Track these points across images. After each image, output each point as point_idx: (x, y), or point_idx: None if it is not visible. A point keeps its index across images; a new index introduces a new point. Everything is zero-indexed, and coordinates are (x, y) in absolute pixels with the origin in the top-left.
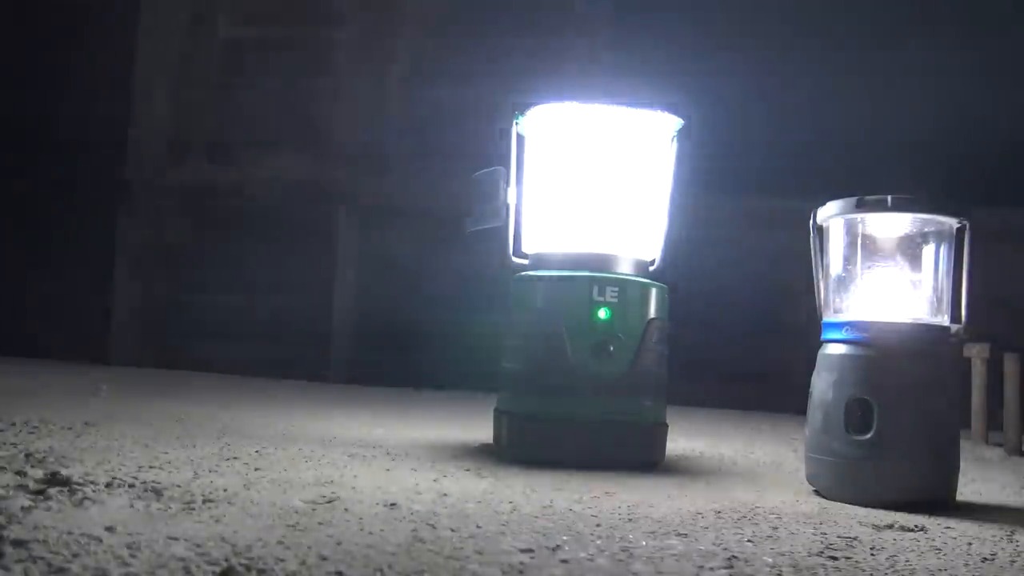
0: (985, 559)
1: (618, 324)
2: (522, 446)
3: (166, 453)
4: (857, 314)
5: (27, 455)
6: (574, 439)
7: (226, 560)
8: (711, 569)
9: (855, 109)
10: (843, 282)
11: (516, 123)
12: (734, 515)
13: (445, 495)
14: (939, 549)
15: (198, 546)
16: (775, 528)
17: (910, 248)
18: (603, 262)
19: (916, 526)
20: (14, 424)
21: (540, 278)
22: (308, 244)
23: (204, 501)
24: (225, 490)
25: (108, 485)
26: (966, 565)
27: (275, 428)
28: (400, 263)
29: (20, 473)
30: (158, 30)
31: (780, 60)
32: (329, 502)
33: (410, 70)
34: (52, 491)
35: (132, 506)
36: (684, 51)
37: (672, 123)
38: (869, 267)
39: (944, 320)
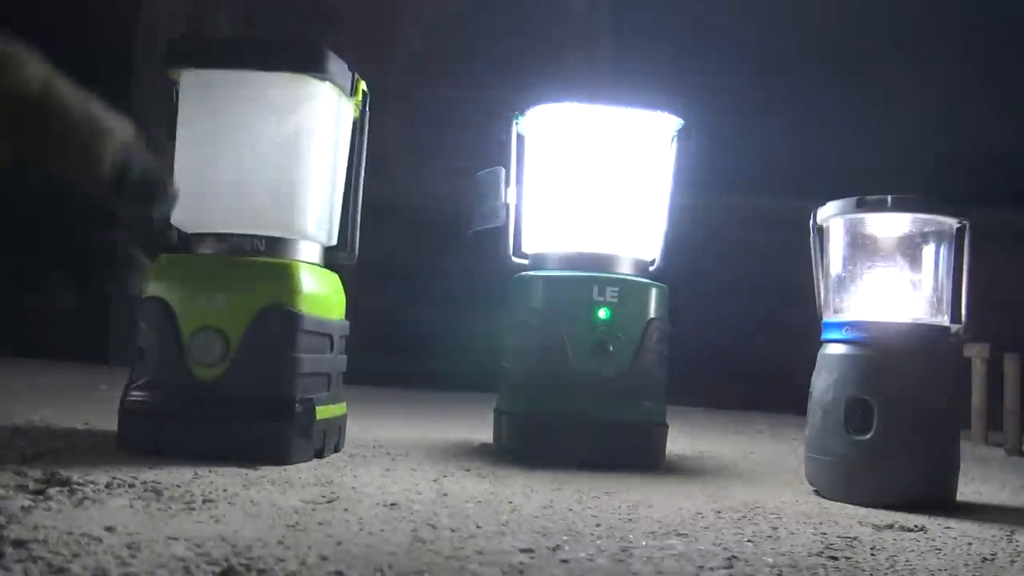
0: (985, 559)
1: (618, 324)
2: (522, 446)
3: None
4: (857, 314)
5: (27, 455)
6: (574, 439)
7: (226, 560)
8: (711, 569)
9: (856, 107)
10: (843, 282)
11: (516, 123)
12: (734, 515)
13: (445, 495)
14: (939, 549)
15: (198, 546)
16: (775, 528)
17: (910, 248)
18: (603, 262)
19: (916, 526)
20: (14, 424)
21: (540, 278)
22: None
23: (204, 501)
24: (225, 490)
25: (108, 485)
26: (966, 565)
27: None
28: (400, 263)
29: (20, 473)
30: (158, 29)
31: (781, 58)
32: (329, 502)
33: (410, 70)
34: (52, 491)
35: (132, 506)
36: (684, 50)
37: (672, 123)
38: (869, 267)
39: (944, 320)
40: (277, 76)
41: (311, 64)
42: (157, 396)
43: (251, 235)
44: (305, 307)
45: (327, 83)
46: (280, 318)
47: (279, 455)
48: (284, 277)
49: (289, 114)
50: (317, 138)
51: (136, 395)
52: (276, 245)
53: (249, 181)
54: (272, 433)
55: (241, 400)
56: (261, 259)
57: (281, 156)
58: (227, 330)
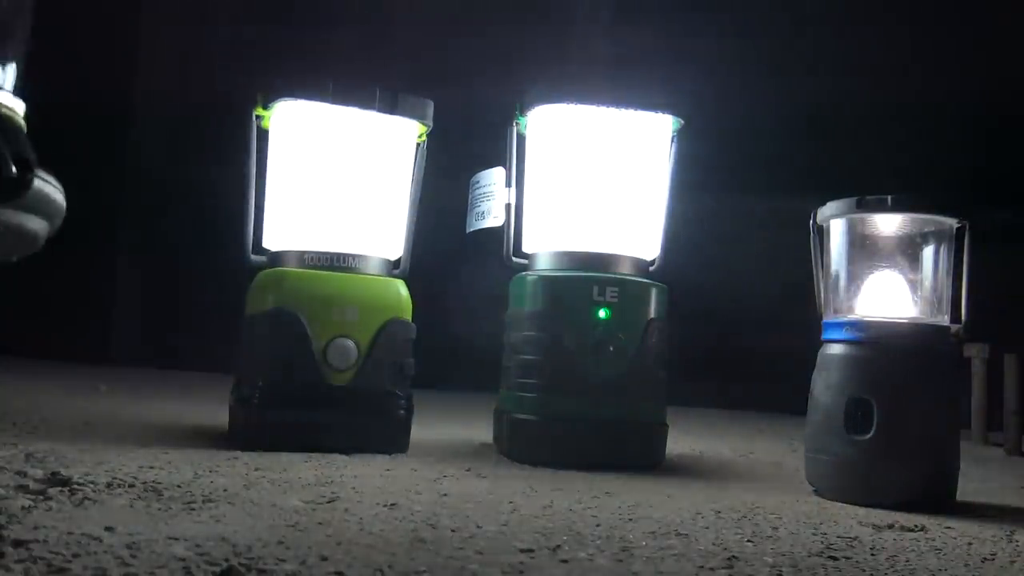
0: (985, 559)
1: (618, 324)
2: (522, 446)
3: (166, 453)
4: (857, 314)
5: (27, 455)
6: (574, 439)
7: (226, 560)
8: (711, 569)
9: (858, 105)
10: (843, 282)
11: (516, 123)
12: (734, 515)
13: (445, 495)
14: (939, 549)
15: (198, 546)
16: (775, 528)
17: (910, 248)
18: (603, 262)
19: (916, 526)
20: (14, 424)
21: (540, 278)
22: None
23: (204, 501)
24: (225, 490)
25: (108, 485)
26: (966, 565)
27: None
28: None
29: (20, 473)
30: (159, 28)
31: (782, 58)
32: (329, 502)
33: (410, 70)
34: (52, 491)
35: (132, 506)
36: (684, 50)
37: (672, 123)
38: (869, 267)
39: (944, 320)
40: (393, 119)
41: (426, 114)
42: (288, 398)
43: (347, 253)
44: (409, 317)
45: (425, 127)
46: (400, 328)
47: (401, 445)
48: (399, 292)
49: (393, 153)
50: (404, 170)
51: (263, 397)
52: (366, 262)
53: (351, 208)
54: (395, 427)
55: (368, 400)
56: (377, 277)
57: (381, 187)
58: (359, 339)
